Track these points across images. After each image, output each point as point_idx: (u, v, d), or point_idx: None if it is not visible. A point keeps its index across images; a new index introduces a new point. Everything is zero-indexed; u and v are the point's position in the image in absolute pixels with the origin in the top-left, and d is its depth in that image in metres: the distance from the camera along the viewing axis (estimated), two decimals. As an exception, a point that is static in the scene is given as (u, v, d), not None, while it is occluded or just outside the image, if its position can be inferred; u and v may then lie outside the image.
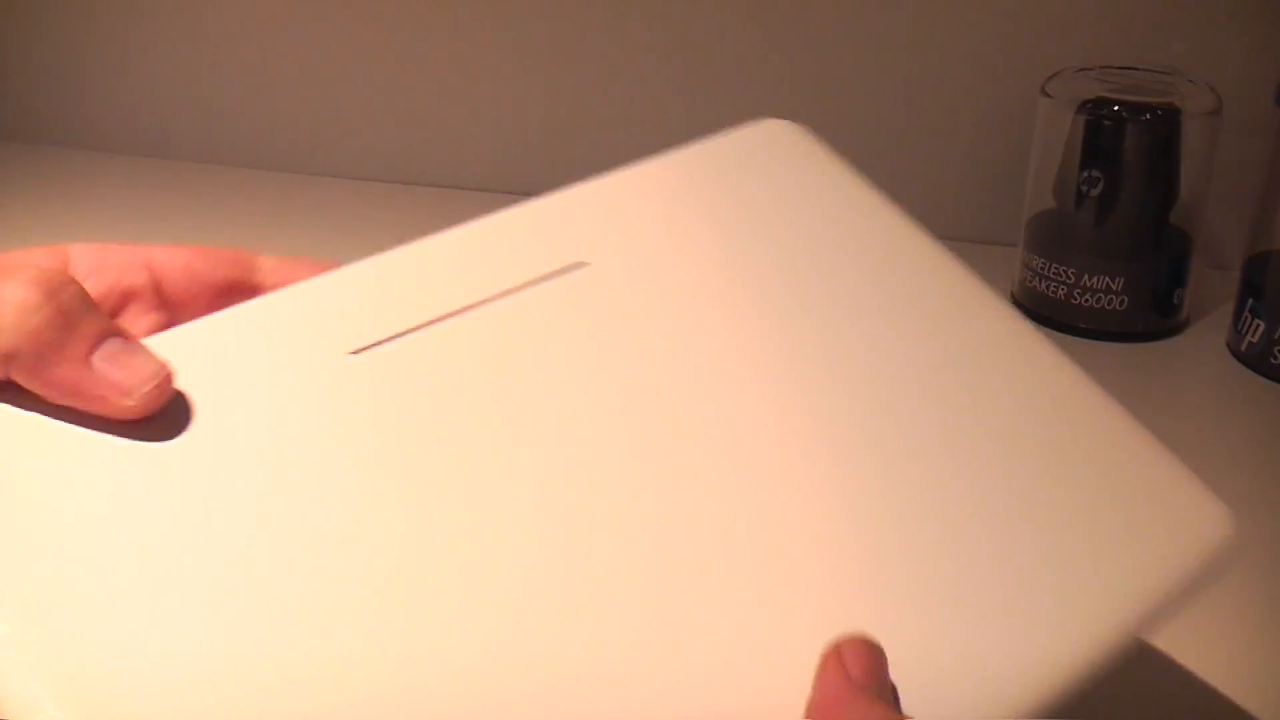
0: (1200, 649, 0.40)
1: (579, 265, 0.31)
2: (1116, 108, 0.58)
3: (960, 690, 0.26)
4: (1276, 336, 0.56)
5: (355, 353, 0.28)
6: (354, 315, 0.28)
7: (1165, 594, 0.29)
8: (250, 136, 0.75)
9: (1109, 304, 0.59)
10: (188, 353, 0.27)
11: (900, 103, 0.67)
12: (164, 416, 0.26)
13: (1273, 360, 0.57)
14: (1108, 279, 0.59)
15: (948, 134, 0.67)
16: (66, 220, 0.69)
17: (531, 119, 0.72)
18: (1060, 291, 0.59)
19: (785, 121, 0.37)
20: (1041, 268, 0.60)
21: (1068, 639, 0.27)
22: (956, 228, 0.68)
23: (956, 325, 0.32)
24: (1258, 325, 0.57)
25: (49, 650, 0.23)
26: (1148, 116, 0.58)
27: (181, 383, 0.27)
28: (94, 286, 0.29)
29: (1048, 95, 0.60)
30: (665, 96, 0.70)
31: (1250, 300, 0.57)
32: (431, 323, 0.29)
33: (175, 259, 0.31)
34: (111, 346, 0.26)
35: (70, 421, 0.26)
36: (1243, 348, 0.58)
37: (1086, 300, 0.59)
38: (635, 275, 0.31)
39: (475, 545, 0.25)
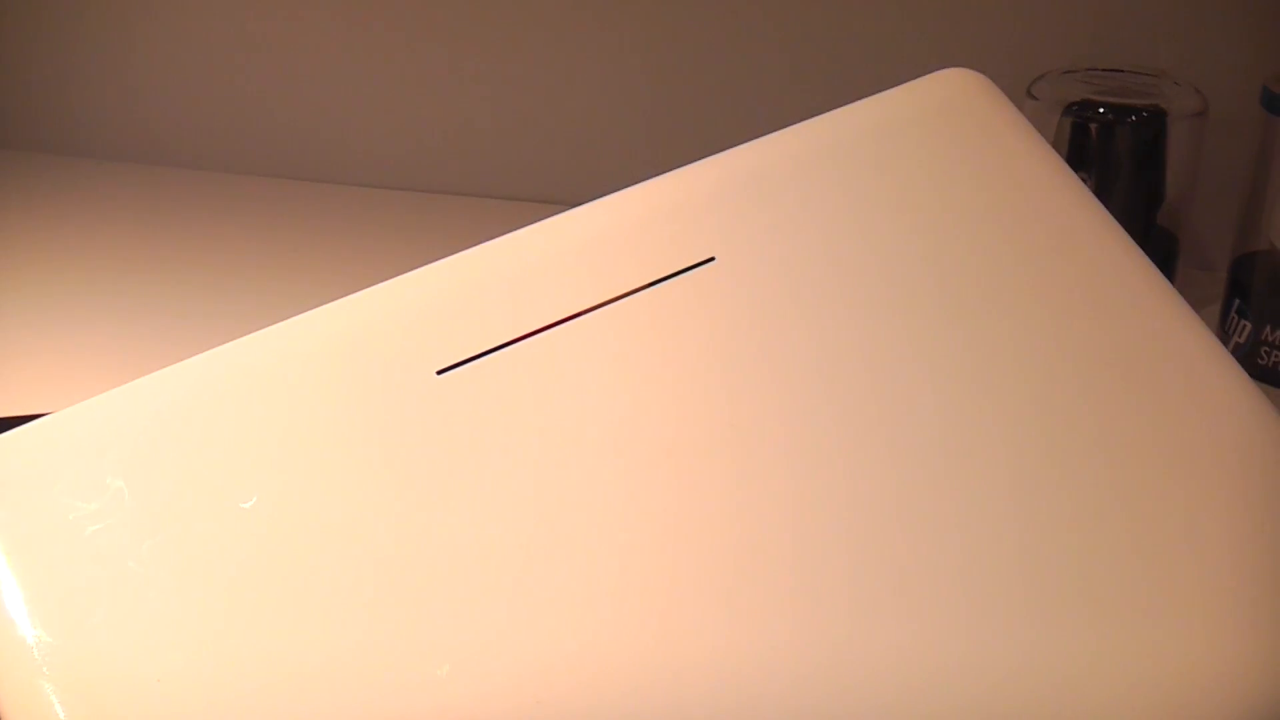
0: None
1: (709, 260, 0.28)
2: (1102, 110, 0.58)
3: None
4: (1263, 337, 0.57)
5: (496, 349, 0.26)
6: (490, 308, 0.27)
7: None
8: (245, 142, 0.75)
9: (1096, 305, 0.59)
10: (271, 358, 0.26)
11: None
12: (244, 430, 0.25)
13: (1259, 361, 0.57)
14: (1095, 280, 0.59)
15: (934, 136, 0.67)
16: (63, 227, 0.69)
17: (540, 125, 0.72)
18: (1047, 293, 0.59)
19: (967, 73, 0.34)
20: (1029, 270, 0.60)
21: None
22: (944, 230, 0.69)
23: (1134, 344, 0.30)
24: (1244, 326, 0.57)
25: (73, 661, 0.23)
26: (1134, 118, 0.58)
27: (263, 390, 0.26)
28: None
29: (1034, 97, 0.60)
30: (656, 101, 0.70)
31: (1237, 301, 0.58)
32: (564, 320, 0.27)
33: None
34: None
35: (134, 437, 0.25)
36: (1229, 348, 0.58)
37: (1074, 302, 0.59)
38: (773, 269, 0.29)
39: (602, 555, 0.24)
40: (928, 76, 0.32)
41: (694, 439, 0.26)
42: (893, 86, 0.66)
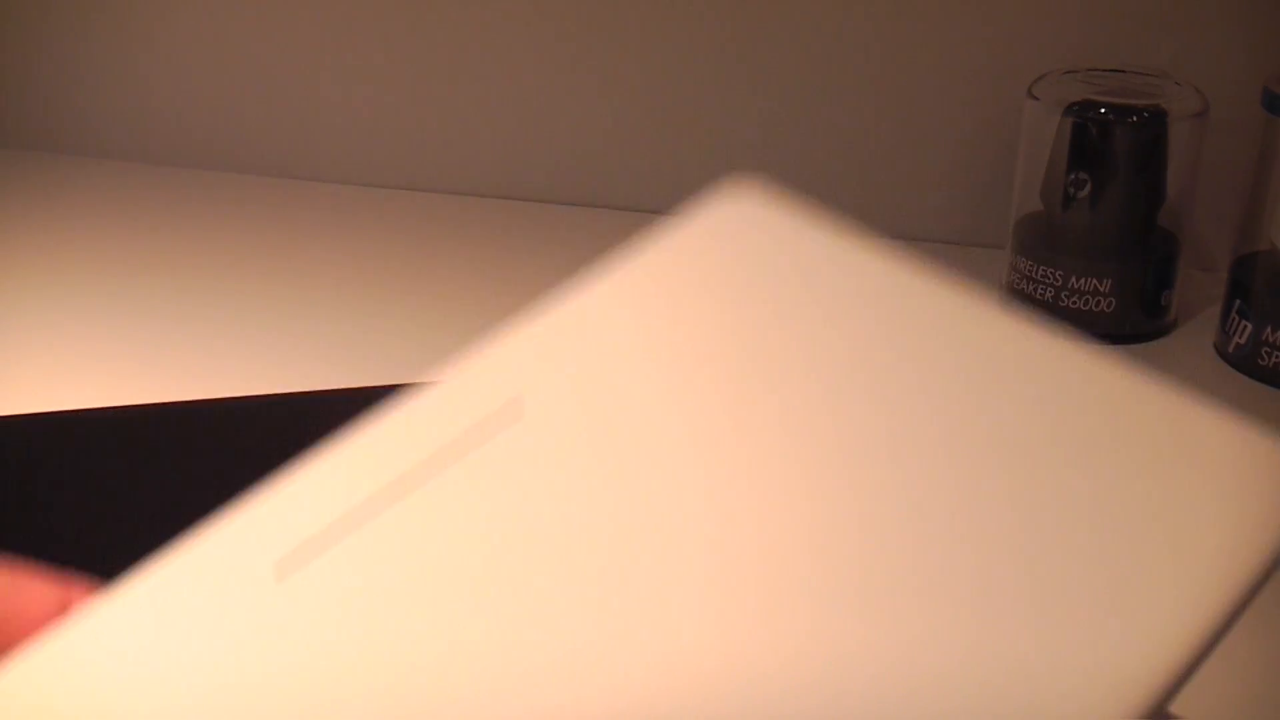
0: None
1: (518, 417, 0.29)
2: (1103, 110, 0.58)
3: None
4: (1264, 338, 0.56)
5: (287, 568, 0.27)
6: (301, 520, 0.27)
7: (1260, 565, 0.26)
8: (245, 142, 0.75)
9: (1096, 306, 0.59)
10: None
11: (887, 106, 0.68)
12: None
13: (1260, 361, 0.57)
14: (1095, 281, 0.59)
15: (935, 137, 0.67)
16: (63, 227, 0.69)
17: (540, 124, 0.72)
18: (1047, 294, 0.59)
19: (749, 187, 0.35)
20: (1029, 270, 0.60)
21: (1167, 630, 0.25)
22: (944, 230, 0.69)
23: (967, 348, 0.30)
24: (1245, 326, 0.57)
25: None
26: (1134, 119, 0.58)
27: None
28: None
29: (1034, 98, 0.60)
30: (654, 98, 0.70)
31: (1237, 301, 0.58)
32: (370, 513, 0.27)
33: None
34: None
35: None
36: (1230, 349, 0.58)
37: (1074, 302, 0.59)
38: (583, 412, 0.29)
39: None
40: (708, 200, 0.34)
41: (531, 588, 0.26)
42: (893, 86, 0.67)
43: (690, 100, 0.69)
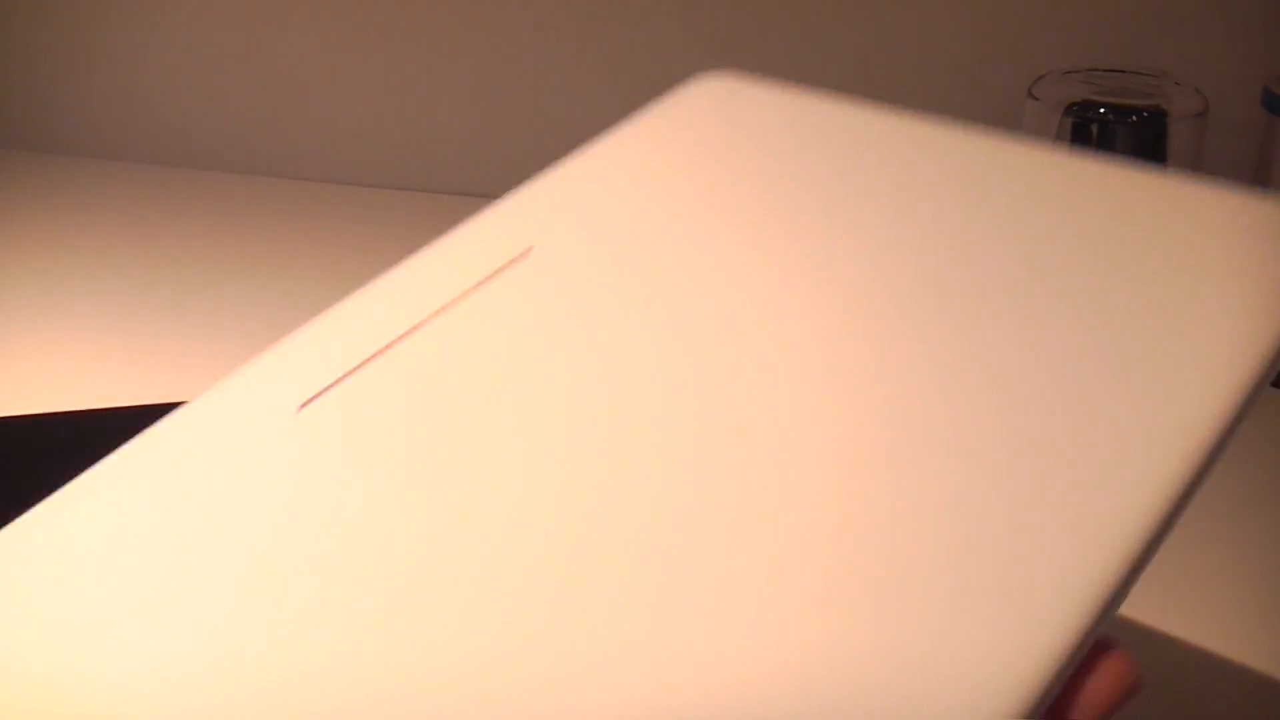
0: (1195, 651, 0.40)
1: (526, 253, 0.30)
2: (1103, 110, 0.58)
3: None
4: (1264, 338, 0.56)
5: (308, 402, 0.27)
6: (311, 364, 0.28)
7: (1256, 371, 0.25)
8: (247, 142, 0.75)
9: (1097, 306, 0.59)
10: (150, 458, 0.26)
11: (886, 105, 0.67)
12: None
13: (1260, 361, 0.57)
14: (1095, 281, 0.59)
15: (935, 137, 0.67)
16: (63, 227, 0.69)
17: (541, 124, 0.72)
18: (1048, 294, 0.59)
19: (720, 75, 0.35)
20: (1029, 270, 0.60)
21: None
22: (944, 230, 0.69)
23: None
24: (1245, 327, 0.57)
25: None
26: (1134, 119, 0.58)
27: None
28: None
29: (1035, 98, 0.60)
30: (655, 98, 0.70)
31: (1237, 302, 0.58)
32: (383, 350, 0.28)
33: None
34: None
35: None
36: (1230, 349, 0.58)
37: (1074, 302, 0.59)
38: (592, 254, 0.30)
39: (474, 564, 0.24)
40: (680, 90, 0.35)
41: (540, 427, 0.26)
42: (893, 86, 0.67)
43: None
